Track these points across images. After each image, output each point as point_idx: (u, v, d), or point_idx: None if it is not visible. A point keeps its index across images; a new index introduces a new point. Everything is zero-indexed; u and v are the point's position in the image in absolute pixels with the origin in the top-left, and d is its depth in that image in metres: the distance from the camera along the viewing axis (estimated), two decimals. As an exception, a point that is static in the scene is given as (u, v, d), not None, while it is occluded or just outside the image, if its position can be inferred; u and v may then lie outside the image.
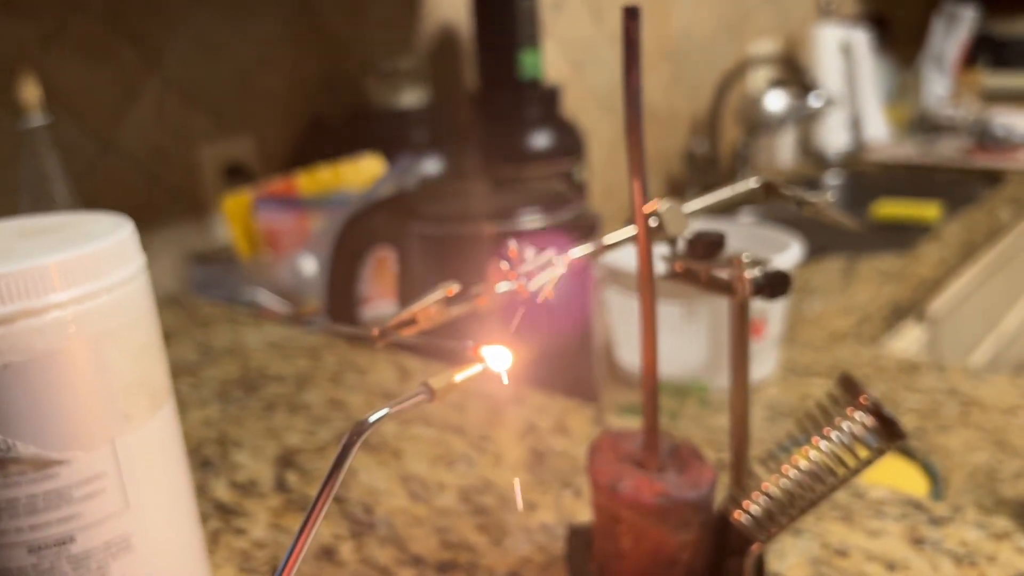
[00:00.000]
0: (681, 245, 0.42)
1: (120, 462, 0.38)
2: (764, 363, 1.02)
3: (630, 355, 1.02)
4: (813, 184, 2.06)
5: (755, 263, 0.38)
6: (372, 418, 0.27)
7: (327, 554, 0.51)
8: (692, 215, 0.41)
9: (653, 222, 0.40)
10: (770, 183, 0.44)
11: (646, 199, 0.38)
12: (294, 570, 0.29)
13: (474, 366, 0.31)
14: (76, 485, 0.37)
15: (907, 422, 0.92)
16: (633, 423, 0.64)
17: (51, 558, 0.38)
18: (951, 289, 1.49)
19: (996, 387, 1.02)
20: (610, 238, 0.40)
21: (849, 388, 0.38)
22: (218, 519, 0.55)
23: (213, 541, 0.53)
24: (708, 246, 0.40)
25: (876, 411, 0.37)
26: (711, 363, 0.97)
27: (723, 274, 0.40)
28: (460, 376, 0.30)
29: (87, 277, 0.37)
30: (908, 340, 1.35)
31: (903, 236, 1.58)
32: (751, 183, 0.44)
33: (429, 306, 0.34)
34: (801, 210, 0.45)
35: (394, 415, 0.28)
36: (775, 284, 0.38)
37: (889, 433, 0.37)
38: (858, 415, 0.37)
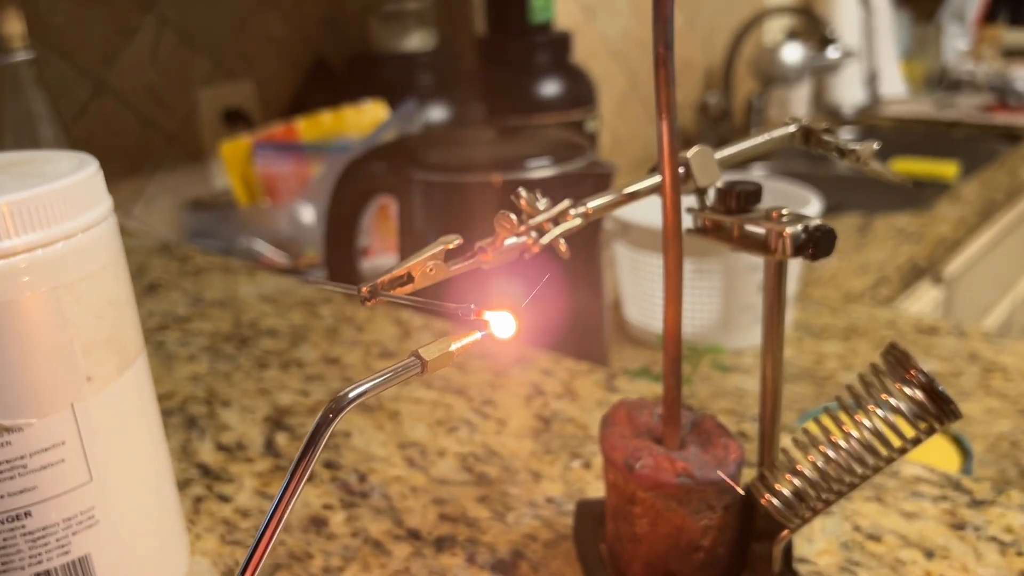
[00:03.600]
0: (711, 197, 0.37)
1: (81, 429, 0.35)
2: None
3: (638, 312, 0.98)
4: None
5: (796, 218, 0.34)
6: (352, 394, 0.23)
7: (316, 524, 0.47)
8: (724, 162, 0.36)
9: (680, 170, 0.35)
10: (809, 129, 0.40)
11: (675, 144, 0.33)
12: (258, 570, 0.25)
13: (473, 334, 0.27)
14: (32, 455, 0.34)
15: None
16: (645, 388, 0.60)
17: (5, 534, 0.34)
18: (969, 250, 1.45)
19: (1018, 353, 0.98)
20: (632, 188, 0.36)
21: (897, 360, 0.34)
22: (201, 484, 0.52)
23: (195, 509, 0.49)
24: (742, 198, 0.36)
25: (928, 387, 0.33)
26: (724, 323, 0.93)
27: (759, 230, 0.35)
28: (456, 345, 0.26)
29: (43, 221, 0.33)
30: (924, 301, 1.31)
31: (920, 194, 1.53)
32: (789, 128, 0.39)
33: (425, 261, 0.30)
34: (842, 160, 0.41)
35: (378, 391, 0.24)
36: (819, 242, 0.33)
37: (941, 412, 0.33)
38: (907, 390, 0.33)
